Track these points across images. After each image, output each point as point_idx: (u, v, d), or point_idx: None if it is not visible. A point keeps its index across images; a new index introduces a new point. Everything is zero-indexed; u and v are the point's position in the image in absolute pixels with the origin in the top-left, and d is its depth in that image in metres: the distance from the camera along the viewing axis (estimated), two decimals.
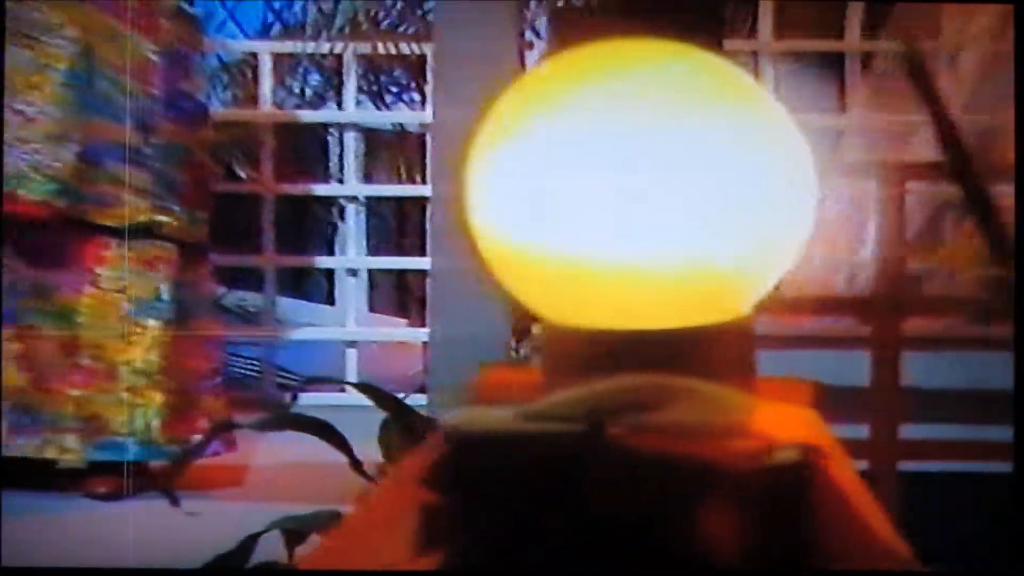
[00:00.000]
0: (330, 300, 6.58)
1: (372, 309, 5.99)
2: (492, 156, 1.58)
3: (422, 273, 5.87)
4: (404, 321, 6.04)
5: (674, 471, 1.41)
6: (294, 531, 3.62)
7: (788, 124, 1.52)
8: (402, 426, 3.77)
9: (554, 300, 1.55)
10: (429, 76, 5.58)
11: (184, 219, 4.64)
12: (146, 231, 4.60)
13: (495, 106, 1.61)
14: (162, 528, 4.37)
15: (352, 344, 5.62)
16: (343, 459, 3.86)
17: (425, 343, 5.60)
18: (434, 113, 5.45)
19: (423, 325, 5.74)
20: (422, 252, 5.65)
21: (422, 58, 5.94)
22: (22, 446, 4.59)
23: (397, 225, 6.00)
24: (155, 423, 4.65)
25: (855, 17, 5.60)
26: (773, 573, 1.43)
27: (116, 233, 4.59)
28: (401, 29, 6.25)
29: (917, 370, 3.77)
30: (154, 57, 4.60)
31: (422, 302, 6.07)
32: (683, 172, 1.47)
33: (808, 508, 1.43)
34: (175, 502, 3.80)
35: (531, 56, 5.75)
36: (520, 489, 1.48)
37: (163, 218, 4.60)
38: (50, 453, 4.61)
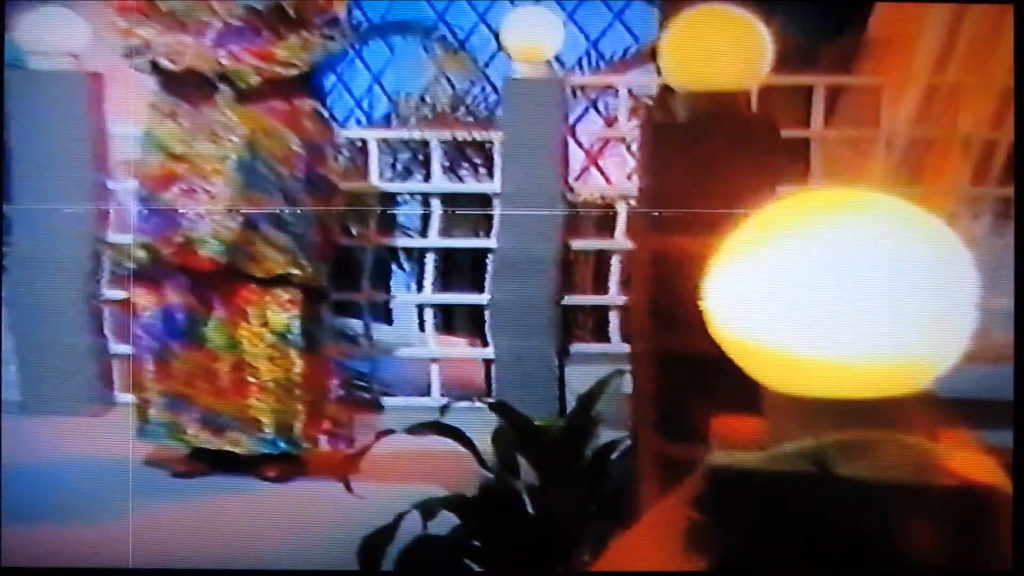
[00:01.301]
0: (388, 321, 6.56)
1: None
2: (732, 274, 1.66)
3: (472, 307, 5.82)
4: (464, 341, 6.01)
5: (890, 500, 1.50)
6: (429, 509, 3.71)
7: (958, 248, 1.60)
8: (515, 430, 3.84)
9: (779, 376, 1.63)
10: (496, 156, 5.59)
11: (311, 271, 4.67)
12: (282, 280, 4.64)
13: (733, 235, 1.68)
14: (313, 505, 4.47)
15: (435, 360, 5.63)
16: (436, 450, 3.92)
17: (487, 360, 5.56)
18: (501, 184, 5.49)
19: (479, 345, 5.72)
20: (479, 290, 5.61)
21: (482, 142, 5.95)
22: (211, 441, 4.69)
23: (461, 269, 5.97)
24: (297, 425, 4.69)
25: (819, 107, 5.66)
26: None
27: (260, 281, 4.64)
28: (470, 119, 6.32)
29: None
30: (297, 148, 4.63)
31: (472, 326, 6.02)
32: (876, 287, 1.56)
33: (997, 529, 1.51)
34: (349, 488, 3.88)
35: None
36: (766, 513, 1.56)
37: (295, 271, 4.64)
38: (227, 446, 4.69)
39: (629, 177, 6.15)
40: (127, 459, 4.75)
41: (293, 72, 4.64)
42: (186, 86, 4.62)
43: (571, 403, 5.23)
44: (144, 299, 4.72)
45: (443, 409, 3.87)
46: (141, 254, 4.65)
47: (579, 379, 5.18)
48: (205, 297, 4.66)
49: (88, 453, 4.75)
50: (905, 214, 1.65)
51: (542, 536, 3.70)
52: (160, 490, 4.60)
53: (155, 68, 4.63)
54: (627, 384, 3.78)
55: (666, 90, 5.96)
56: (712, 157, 3.03)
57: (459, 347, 5.83)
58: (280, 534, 4.28)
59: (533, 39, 5.48)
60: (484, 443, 3.91)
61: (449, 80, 6.59)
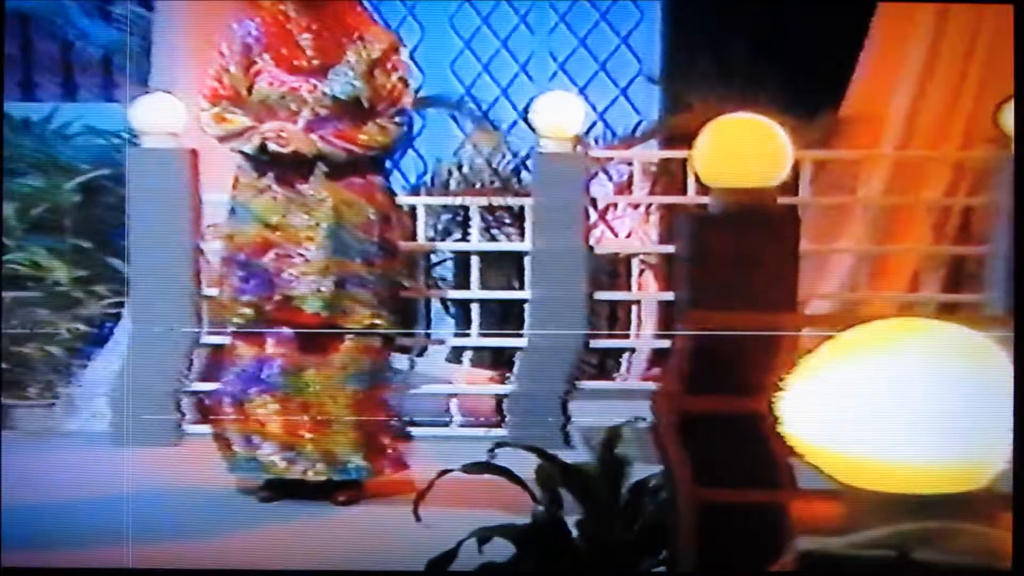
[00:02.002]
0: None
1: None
2: (804, 389, 1.71)
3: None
4: (487, 374, 5.99)
5: None
6: (484, 537, 3.73)
7: (1004, 368, 1.65)
8: (557, 469, 3.86)
9: (851, 475, 1.68)
10: (527, 219, 5.66)
11: (389, 321, 4.75)
12: (368, 330, 4.72)
13: (808, 358, 1.73)
14: (377, 526, 4.52)
15: (453, 395, 5.66)
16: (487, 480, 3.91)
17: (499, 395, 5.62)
18: (532, 244, 5.56)
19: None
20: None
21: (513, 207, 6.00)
22: (294, 471, 4.76)
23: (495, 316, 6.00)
24: (360, 455, 4.74)
25: (807, 178, 5.74)
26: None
27: (352, 332, 4.72)
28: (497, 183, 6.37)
29: None
30: (372, 216, 4.71)
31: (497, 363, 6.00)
32: (937, 402, 1.62)
33: None
34: (417, 517, 3.88)
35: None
36: None
37: (378, 321, 4.71)
38: (310, 476, 4.77)
39: (629, 235, 6.26)
40: (210, 486, 4.84)
41: (371, 153, 4.73)
42: (284, 165, 4.70)
43: (573, 435, 5.33)
44: (246, 348, 4.80)
45: (492, 450, 3.88)
46: (247, 310, 4.75)
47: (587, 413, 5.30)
48: (305, 347, 4.74)
49: (172, 480, 4.83)
50: (960, 339, 1.72)
51: (588, 562, 3.75)
52: (249, 515, 4.66)
53: (263, 150, 4.69)
54: (642, 427, 3.81)
55: (668, 161, 6.10)
56: (743, 244, 3.10)
57: (477, 382, 5.81)
58: (353, 554, 4.33)
59: (559, 121, 5.56)
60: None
61: (479, 151, 6.63)
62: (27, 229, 5.72)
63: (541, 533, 3.76)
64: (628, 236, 6.30)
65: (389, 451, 4.84)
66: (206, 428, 5.19)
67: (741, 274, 3.07)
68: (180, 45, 5.88)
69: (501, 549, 3.74)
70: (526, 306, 5.60)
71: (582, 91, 7.01)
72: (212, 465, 4.86)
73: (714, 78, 6.63)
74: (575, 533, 3.76)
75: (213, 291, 5.39)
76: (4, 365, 5.16)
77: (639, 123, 6.78)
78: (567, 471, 3.83)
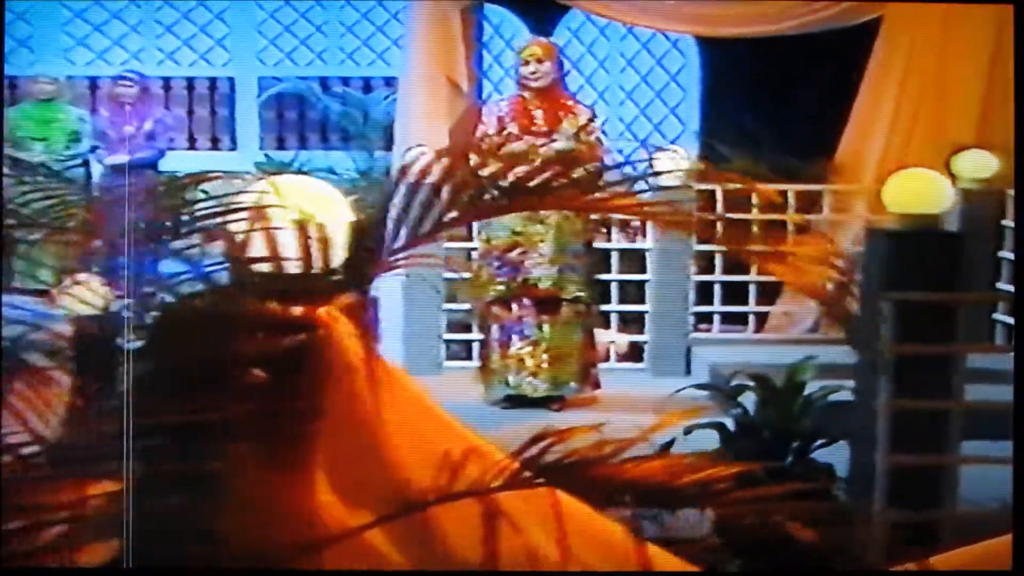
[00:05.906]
0: None
1: None
2: None
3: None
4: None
5: None
6: (689, 429, 3.83)
7: None
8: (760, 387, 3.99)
9: None
10: (648, 228, 5.79)
11: (588, 293, 5.00)
12: (576, 299, 4.94)
13: None
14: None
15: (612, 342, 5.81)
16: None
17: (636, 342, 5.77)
18: (652, 243, 5.74)
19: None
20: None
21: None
22: (524, 388, 4.95)
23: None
24: (574, 380, 5.00)
25: (827, 202, 5.88)
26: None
27: (567, 300, 4.94)
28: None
29: None
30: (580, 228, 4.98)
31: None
32: None
33: None
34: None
35: None
36: None
37: (582, 293, 4.99)
38: (528, 393, 4.97)
39: None
40: (464, 401, 4.86)
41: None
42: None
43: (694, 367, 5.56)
44: (502, 312, 5.00)
45: (732, 375, 4.04)
46: (501, 287, 4.96)
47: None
48: (539, 310, 4.94)
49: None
50: None
51: (771, 446, 3.88)
52: (492, 418, 4.76)
53: None
54: (814, 364, 3.96)
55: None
56: (916, 253, 3.28)
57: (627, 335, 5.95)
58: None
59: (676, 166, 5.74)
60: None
61: None
62: None
63: (739, 426, 3.92)
64: None
65: (589, 378, 5.05)
66: (455, 364, 5.46)
67: (918, 267, 3.27)
68: (414, 114, 6.01)
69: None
70: (647, 284, 5.79)
71: (642, 144, 7.20)
72: (463, 387, 5.01)
73: (744, 136, 6.85)
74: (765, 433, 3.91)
75: (449, 275, 5.54)
76: None
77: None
78: (767, 388, 3.93)
